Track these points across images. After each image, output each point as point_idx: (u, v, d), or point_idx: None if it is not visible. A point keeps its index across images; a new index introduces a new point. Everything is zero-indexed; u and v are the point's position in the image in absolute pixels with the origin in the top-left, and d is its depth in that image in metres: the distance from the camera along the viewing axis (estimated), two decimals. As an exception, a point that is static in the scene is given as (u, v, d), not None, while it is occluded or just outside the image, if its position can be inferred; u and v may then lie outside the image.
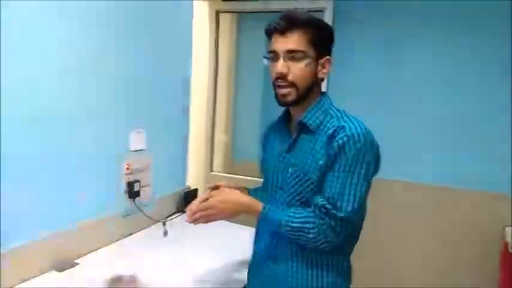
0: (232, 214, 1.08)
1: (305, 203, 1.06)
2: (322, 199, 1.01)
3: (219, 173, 2.79)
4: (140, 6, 1.64)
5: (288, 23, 1.03)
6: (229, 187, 1.20)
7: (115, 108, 1.57)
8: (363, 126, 1.02)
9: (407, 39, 2.32)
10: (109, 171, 1.57)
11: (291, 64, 1.03)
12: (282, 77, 1.04)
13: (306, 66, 1.04)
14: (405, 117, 2.34)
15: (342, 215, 0.99)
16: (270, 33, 1.07)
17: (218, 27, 2.66)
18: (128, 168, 1.62)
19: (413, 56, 2.31)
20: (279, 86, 1.06)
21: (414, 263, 2.37)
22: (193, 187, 2.18)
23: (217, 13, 2.64)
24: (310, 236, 1.00)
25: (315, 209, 1.01)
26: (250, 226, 1.38)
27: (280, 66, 1.03)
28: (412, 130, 2.33)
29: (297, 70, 1.04)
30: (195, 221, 1.08)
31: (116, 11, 1.52)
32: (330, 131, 1.04)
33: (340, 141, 1.00)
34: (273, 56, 1.06)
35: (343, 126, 1.02)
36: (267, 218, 1.06)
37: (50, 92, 1.29)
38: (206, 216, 1.07)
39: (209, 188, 1.19)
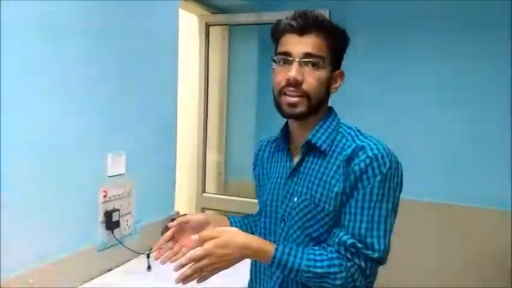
0: (236, 261, 0.84)
1: (315, 240, 0.88)
2: (348, 236, 0.83)
3: (212, 195, 2.61)
4: (120, 19, 1.50)
5: (308, 22, 0.86)
6: (199, 220, 1.00)
7: (89, 128, 1.40)
8: (385, 146, 0.87)
9: (406, 48, 2.22)
10: (82, 200, 1.39)
11: (306, 71, 0.86)
12: (295, 84, 0.86)
13: (323, 75, 0.88)
14: (406, 132, 2.21)
15: (375, 255, 0.82)
16: (281, 32, 0.90)
17: (208, 41, 2.53)
18: (105, 196, 1.45)
19: (413, 66, 2.21)
20: (287, 94, 0.88)
21: (421, 283, 2.20)
22: (183, 212, 2.00)
23: (207, 26, 2.51)
24: (338, 282, 0.82)
25: (339, 248, 0.84)
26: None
27: (295, 71, 0.85)
28: (414, 146, 2.19)
29: (313, 79, 0.87)
30: (185, 279, 0.83)
31: (94, 26, 1.38)
32: (347, 152, 0.87)
33: (362, 164, 0.84)
34: (284, 58, 0.88)
35: (363, 146, 0.86)
36: (281, 262, 0.83)
37: (9, 109, 1.13)
38: (201, 269, 0.82)
39: (170, 226, 0.98)
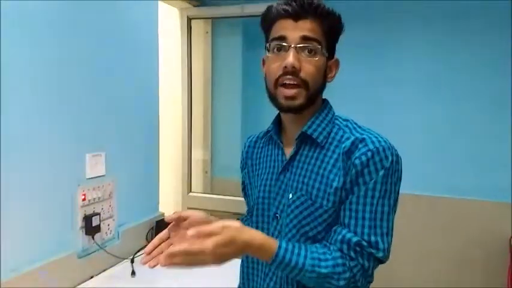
0: (232, 258, 0.74)
1: (311, 239, 0.83)
2: (351, 234, 0.78)
3: (198, 194, 2.54)
4: (98, 14, 1.42)
5: (304, 6, 0.81)
6: (200, 218, 0.85)
7: (66, 128, 1.32)
8: (386, 138, 0.82)
9: (394, 39, 2.17)
10: (60, 204, 1.31)
11: (303, 57, 0.81)
12: (293, 72, 0.80)
13: (320, 62, 0.82)
14: (396, 124, 2.17)
15: (380, 255, 0.77)
16: (274, 18, 0.84)
17: (191, 35, 2.45)
18: (83, 199, 1.37)
19: (403, 57, 2.17)
20: (285, 85, 0.81)
21: (416, 277, 2.19)
22: (168, 214, 1.93)
23: (189, 20, 2.43)
24: (341, 283, 0.76)
25: (341, 247, 0.78)
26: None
27: (293, 57, 0.79)
28: (405, 137, 2.16)
29: (311, 65, 0.81)
30: (169, 263, 0.69)
31: (69, 22, 1.30)
32: (346, 144, 0.81)
33: (364, 157, 0.79)
34: (279, 44, 0.82)
35: (363, 139, 0.81)
36: (284, 261, 0.75)
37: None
38: (190, 264, 0.70)
39: (168, 220, 0.87)
